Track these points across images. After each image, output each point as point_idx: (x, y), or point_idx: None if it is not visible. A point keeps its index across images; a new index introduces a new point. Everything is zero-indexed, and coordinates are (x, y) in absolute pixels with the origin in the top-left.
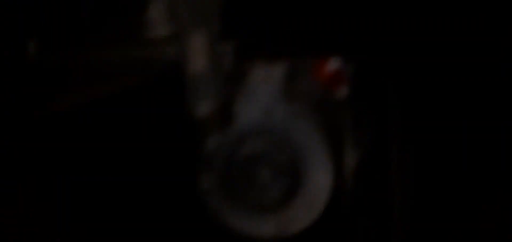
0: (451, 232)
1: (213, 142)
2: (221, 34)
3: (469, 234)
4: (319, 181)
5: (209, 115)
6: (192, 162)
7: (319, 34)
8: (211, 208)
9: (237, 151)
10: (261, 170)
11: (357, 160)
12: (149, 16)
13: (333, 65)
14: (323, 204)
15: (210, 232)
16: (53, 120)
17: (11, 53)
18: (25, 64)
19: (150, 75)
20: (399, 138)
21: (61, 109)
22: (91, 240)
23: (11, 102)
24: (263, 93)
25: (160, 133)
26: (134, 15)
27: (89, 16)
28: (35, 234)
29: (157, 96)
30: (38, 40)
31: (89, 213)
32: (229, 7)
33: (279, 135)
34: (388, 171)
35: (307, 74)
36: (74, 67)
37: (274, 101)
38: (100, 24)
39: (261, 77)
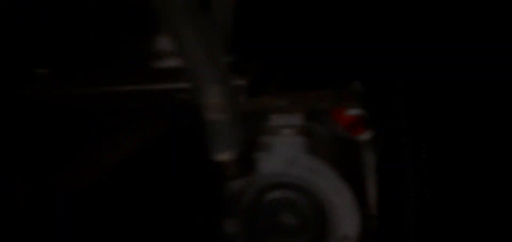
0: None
1: (237, 187)
2: (234, 69)
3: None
4: (346, 230)
5: (230, 163)
6: (216, 206)
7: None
8: None
9: (261, 197)
10: (286, 216)
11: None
12: (157, 48)
13: (352, 112)
14: None
15: None
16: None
17: (18, 81)
18: (33, 91)
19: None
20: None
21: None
22: None
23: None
24: (285, 142)
25: (183, 176)
26: (142, 46)
27: (98, 47)
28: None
29: (181, 139)
30: (47, 69)
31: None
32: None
33: (303, 184)
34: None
35: (327, 120)
36: (82, 97)
37: (295, 151)
38: (108, 56)
39: (282, 124)
